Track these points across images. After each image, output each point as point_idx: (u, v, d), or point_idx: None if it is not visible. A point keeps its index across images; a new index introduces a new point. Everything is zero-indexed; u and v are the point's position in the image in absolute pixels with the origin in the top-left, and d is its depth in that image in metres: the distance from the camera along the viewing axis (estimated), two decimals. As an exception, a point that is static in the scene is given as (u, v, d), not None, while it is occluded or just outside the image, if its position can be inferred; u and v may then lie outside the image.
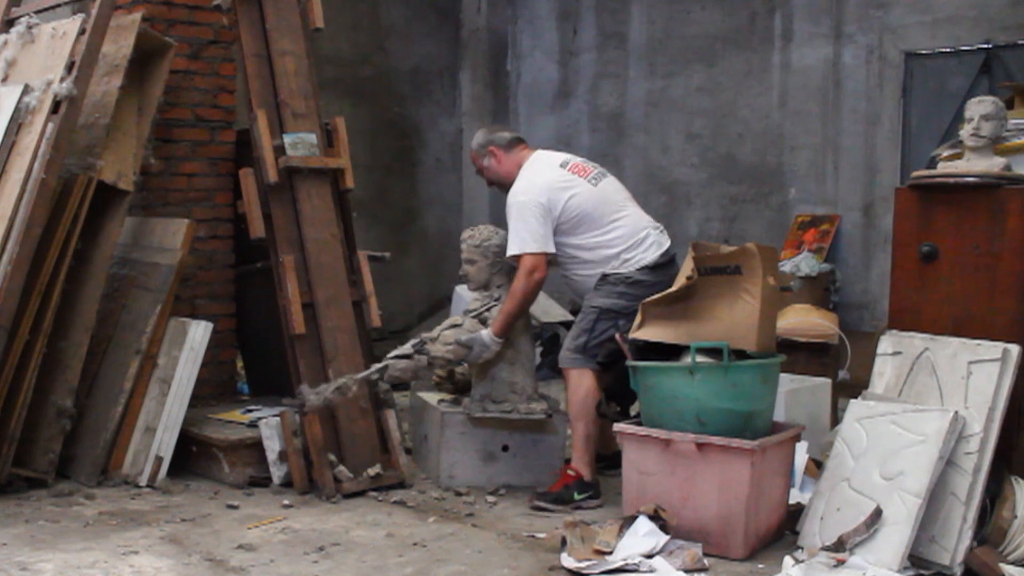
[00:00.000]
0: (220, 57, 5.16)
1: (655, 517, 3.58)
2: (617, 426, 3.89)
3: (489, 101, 9.35)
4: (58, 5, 4.82)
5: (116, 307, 4.61)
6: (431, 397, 4.84)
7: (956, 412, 3.44)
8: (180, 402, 4.46)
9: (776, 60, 7.79)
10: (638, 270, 4.25)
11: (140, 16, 4.66)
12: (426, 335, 4.49)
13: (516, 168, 4.42)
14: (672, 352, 3.81)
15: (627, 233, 4.29)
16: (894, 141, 7.20)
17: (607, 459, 4.52)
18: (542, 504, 4.18)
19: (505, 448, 4.51)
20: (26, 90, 4.32)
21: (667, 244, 4.37)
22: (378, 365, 4.46)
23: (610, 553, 3.47)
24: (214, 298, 5.18)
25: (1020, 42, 6.60)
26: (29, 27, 4.57)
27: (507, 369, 4.44)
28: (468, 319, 4.48)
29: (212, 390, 5.11)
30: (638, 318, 3.93)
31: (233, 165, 5.13)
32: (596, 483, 4.25)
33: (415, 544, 3.72)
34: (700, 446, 3.60)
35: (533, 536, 3.83)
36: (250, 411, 4.77)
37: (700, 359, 3.66)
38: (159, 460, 4.41)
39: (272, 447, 4.40)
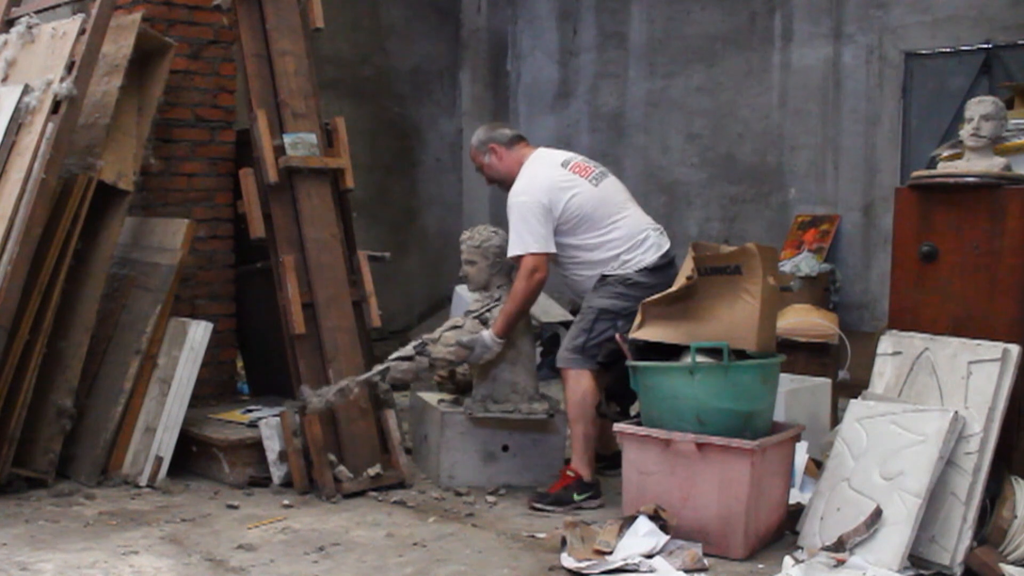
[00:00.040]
0: (220, 57, 5.16)
1: (655, 517, 3.58)
2: (617, 426, 3.88)
3: (489, 101, 9.36)
4: (58, 5, 4.82)
5: (116, 307, 4.61)
6: (431, 397, 4.84)
7: (956, 412, 3.44)
8: (180, 402, 4.46)
9: (776, 60, 7.79)
10: (637, 271, 4.25)
11: (140, 16, 4.66)
12: (427, 336, 4.49)
13: (517, 166, 4.41)
14: (672, 352, 3.81)
15: (627, 234, 4.28)
16: (894, 141, 7.20)
17: (607, 459, 4.52)
18: (540, 506, 4.18)
19: (505, 448, 4.51)
20: (26, 90, 4.32)
21: (667, 246, 4.36)
22: (380, 367, 4.46)
23: (610, 553, 3.47)
24: (214, 298, 5.18)
25: (1020, 42, 6.59)
26: (29, 27, 4.57)
27: (508, 369, 4.44)
28: (469, 320, 4.48)
29: (212, 390, 5.11)
30: (638, 318, 3.93)
31: (233, 165, 5.13)
32: (596, 483, 4.25)
33: (415, 544, 3.72)
34: (700, 446, 3.60)
35: (533, 536, 3.83)
36: (250, 411, 4.77)
37: (700, 359, 3.66)
38: (159, 460, 4.41)
39: (272, 447, 4.41)
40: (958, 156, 4.04)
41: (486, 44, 9.37)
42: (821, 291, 7.00)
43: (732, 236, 7.80)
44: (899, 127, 7.17)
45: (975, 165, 3.78)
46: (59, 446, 4.33)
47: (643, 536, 3.53)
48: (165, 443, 4.43)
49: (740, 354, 3.69)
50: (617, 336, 4.01)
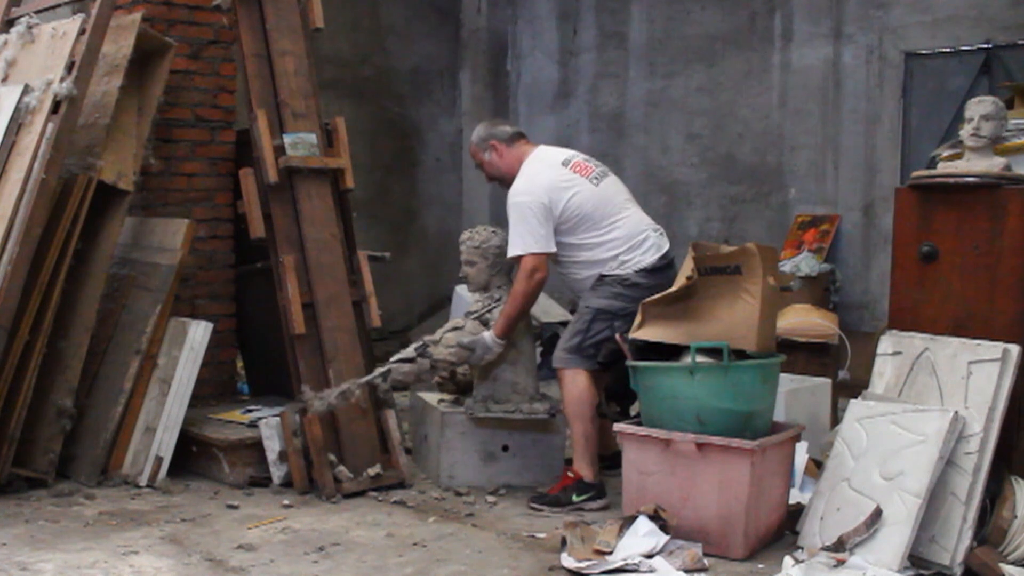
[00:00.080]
0: (220, 57, 5.16)
1: (655, 517, 3.58)
2: (617, 426, 3.88)
3: (489, 101, 9.35)
4: (58, 5, 4.82)
5: (116, 307, 4.61)
6: (431, 397, 4.84)
7: (956, 412, 3.44)
8: (180, 402, 4.46)
9: (776, 60, 7.79)
10: (636, 272, 4.23)
11: (140, 16, 4.66)
12: (428, 338, 4.49)
13: (517, 163, 4.39)
14: (672, 352, 3.81)
15: (626, 234, 4.27)
16: (894, 141, 7.20)
17: (607, 459, 4.51)
18: (537, 506, 4.18)
19: (505, 448, 4.51)
20: (26, 90, 4.32)
21: (666, 247, 4.35)
22: (381, 369, 4.46)
23: (610, 553, 3.47)
24: (214, 298, 5.18)
25: (1020, 42, 6.59)
26: (29, 27, 4.57)
27: (509, 370, 4.44)
28: (470, 321, 4.48)
29: (212, 390, 5.11)
30: (638, 318, 3.92)
31: (233, 165, 5.13)
32: (599, 484, 4.23)
33: (415, 544, 3.72)
34: (700, 446, 3.60)
35: (533, 536, 3.83)
36: (250, 411, 4.77)
37: (700, 359, 3.66)
38: (159, 460, 4.41)
39: (272, 447, 4.41)
40: (958, 156, 4.04)
41: (486, 44, 9.37)
42: (821, 291, 7.00)
43: (732, 236, 7.80)
44: (899, 127, 7.17)
45: (975, 165, 3.78)
46: (59, 446, 4.33)
47: (643, 536, 3.53)
48: (165, 443, 4.43)
49: (740, 354, 3.69)
50: (617, 336, 4.00)
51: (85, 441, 4.43)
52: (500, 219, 4.52)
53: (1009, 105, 4.57)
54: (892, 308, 4.01)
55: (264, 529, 3.86)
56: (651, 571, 3.39)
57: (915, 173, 4.00)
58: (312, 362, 4.45)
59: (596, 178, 4.34)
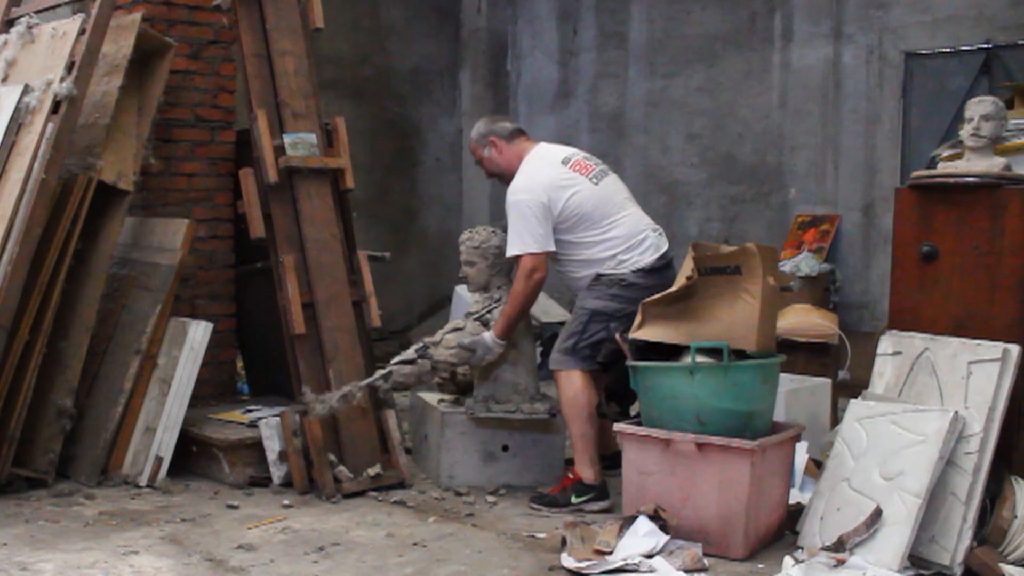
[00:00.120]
0: (220, 57, 5.16)
1: (655, 517, 3.58)
2: (617, 426, 3.88)
3: (489, 101, 9.36)
4: (58, 5, 4.82)
5: (116, 307, 4.61)
6: (431, 397, 4.84)
7: (956, 412, 3.44)
8: (180, 402, 4.46)
9: (776, 60, 7.79)
10: (633, 272, 4.22)
11: (140, 16, 4.66)
12: (429, 339, 4.49)
13: (517, 160, 4.37)
14: (672, 352, 3.80)
15: (625, 234, 4.26)
16: (894, 141, 7.20)
17: (607, 459, 4.50)
18: (536, 506, 4.18)
19: (505, 448, 4.51)
20: (26, 90, 4.32)
21: (665, 247, 4.34)
22: (382, 371, 4.46)
23: (610, 553, 3.47)
24: (214, 298, 5.18)
25: (1020, 42, 6.59)
26: (29, 27, 4.57)
27: (509, 370, 4.44)
28: (470, 322, 4.48)
29: (212, 390, 5.11)
30: (638, 318, 3.92)
31: (233, 165, 5.13)
32: (601, 484, 4.22)
33: (415, 544, 3.72)
34: (700, 446, 3.60)
35: (533, 536, 3.83)
36: (250, 411, 4.77)
37: (700, 359, 3.66)
38: (159, 460, 4.41)
39: (272, 447, 4.40)
40: (958, 156, 4.04)
41: (486, 44, 9.38)
42: (821, 291, 7.00)
43: (732, 236, 7.80)
44: (899, 127, 7.17)
45: (975, 165, 3.78)
46: (59, 446, 4.33)
47: (643, 536, 3.53)
48: (165, 443, 4.43)
49: (740, 354, 3.69)
50: (617, 336, 3.99)
51: (85, 441, 4.43)
52: (500, 219, 4.52)
53: (1009, 105, 4.57)
54: (892, 308, 4.01)
55: (264, 529, 3.86)
56: (651, 571, 3.39)
57: (915, 173, 4.00)
58: (312, 362, 4.46)
59: (596, 177, 4.32)
